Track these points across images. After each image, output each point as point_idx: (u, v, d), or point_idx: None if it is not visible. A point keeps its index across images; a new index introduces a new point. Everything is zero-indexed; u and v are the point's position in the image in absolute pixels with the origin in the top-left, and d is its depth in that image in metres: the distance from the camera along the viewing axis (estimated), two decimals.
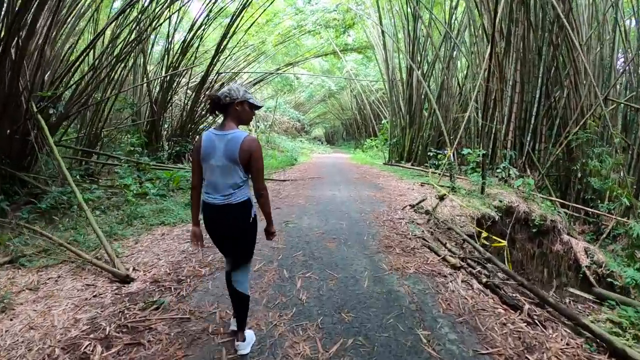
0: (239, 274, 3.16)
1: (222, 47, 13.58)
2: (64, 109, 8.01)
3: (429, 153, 16.13)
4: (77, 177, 8.76)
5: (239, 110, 2.99)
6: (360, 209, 8.18)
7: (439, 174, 11.97)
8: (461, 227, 7.37)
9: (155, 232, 6.49)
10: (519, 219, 9.34)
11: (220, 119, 3.11)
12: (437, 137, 17.11)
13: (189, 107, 14.54)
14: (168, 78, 13.54)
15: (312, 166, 19.08)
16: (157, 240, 6.09)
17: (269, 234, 3.27)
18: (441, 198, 8.82)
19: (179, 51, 13.66)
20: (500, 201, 9.35)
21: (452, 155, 12.43)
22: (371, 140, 28.23)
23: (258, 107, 3.14)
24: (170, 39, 13.91)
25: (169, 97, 14.17)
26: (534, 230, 9.13)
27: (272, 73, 22.19)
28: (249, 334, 3.32)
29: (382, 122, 22.75)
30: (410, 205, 8.34)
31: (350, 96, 35.19)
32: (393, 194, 10.13)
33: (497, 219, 8.57)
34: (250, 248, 3.19)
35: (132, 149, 10.85)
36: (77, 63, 8.09)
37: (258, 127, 26.73)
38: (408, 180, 12.63)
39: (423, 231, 6.63)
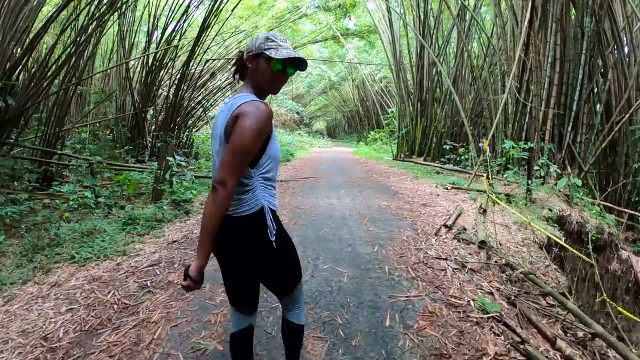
0: (293, 303, 2.15)
1: (207, 24, 11.43)
2: (16, 102, 6.66)
3: (444, 146, 14.00)
4: (28, 181, 7.08)
5: (251, 67, 1.88)
6: (372, 235, 5.23)
7: (473, 174, 9.37)
8: (530, 262, 4.53)
9: (50, 278, 3.97)
10: (570, 233, 7.19)
11: None
12: (452, 128, 14.81)
13: (170, 100, 12.39)
14: (153, 70, 11.78)
15: (309, 162, 16.47)
16: (39, 298, 3.55)
17: (185, 275, 1.77)
18: (484, 211, 6.25)
19: (162, 39, 11.86)
20: (550, 210, 7.17)
21: (472, 150, 10.37)
22: (375, 132, 25.96)
23: (290, 65, 1.88)
24: (153, 25, 12.04)
25: (153, 90, 12.34)
26: (588, 246, 7.00)
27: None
28: None
29: (390, 111, 20.38)
30: (445, 225, 5.50)
31: (352, 87, 32.76)
32: (413, 202, 7.41)
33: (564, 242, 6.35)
34: (288, 271, 2.07)
35: (80, 146, 8.80)
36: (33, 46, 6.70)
37: None
38: (426, 181, 10.10)
39: (492, 293, 3.55)
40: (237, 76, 2.02)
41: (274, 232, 1.86)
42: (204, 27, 11.11)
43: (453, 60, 15.38)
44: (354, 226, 5.72)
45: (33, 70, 7.62)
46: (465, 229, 5.29)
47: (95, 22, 8.00)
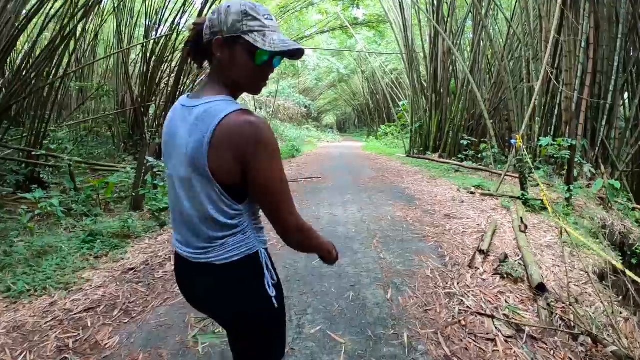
0: None
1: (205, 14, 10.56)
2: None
3: (461, 142, 12.90)
4: (12, 183, 6.56)
5: (221, 57, 1.24)
6: (384, 267, 3.90)
7: (502, 176, 7.94)
8: (605, 313, 3.04)
9: None
10: (613, 244, 6.16)
11: None
12: (469, 121, 13.69)
13: (168, 91, 11.57)
14: (152, 64, 10.90)
15: (315, 159, 15.22)
16: None
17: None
18: (525, 228, 4.83)
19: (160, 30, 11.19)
20: (592, 218, 6.13)
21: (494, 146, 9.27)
22: (386, 126, 24.79)
23: (279, 56, 1.29)
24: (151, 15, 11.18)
25: (154, 85, 11.40)
26: (633, 260, 5.98)
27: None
28: None
29: (401, 104, 19.15)
30: (479, 250, 4.14)
31: (361, 79, 31.54)
32: (434, 212, 6.10)
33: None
34: (265, 345, 1.42)
35: (71, 145, 7.95)
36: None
37: (257, 112, 23.47)
38: (446, 182, 8.84)
39: None
40: (194, 60, 1.40)
41: (269, 284, 1.36)
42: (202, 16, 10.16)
43: (468, 49, 14.31)
44: (361, 251, 4.40)
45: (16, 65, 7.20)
46: (506, 257, 3.94)
47: (81, 12, 7.35)
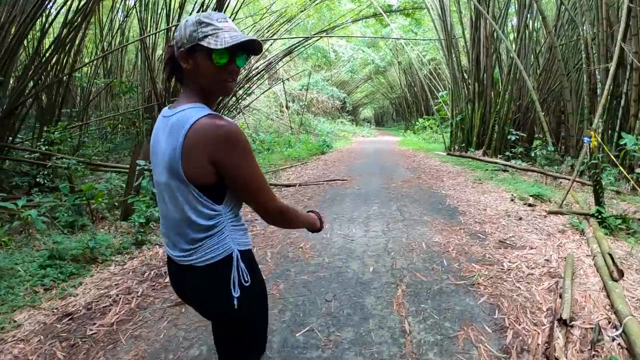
0: None
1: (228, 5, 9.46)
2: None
3: (508, 137, 11.28)
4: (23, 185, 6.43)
5: (187, 68, 1.34)
6: (410, 349, 2.44)
7: (570, 184, 6.01)
8: None
9: None
10: None
11: None
12: (516, 113, 11.99)
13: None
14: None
15: (346, 156, 13.86)
16: None
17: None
18: (621, 274, 3.20)
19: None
20: None
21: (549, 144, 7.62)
22: (424, 119, 23.15)
23: (231, 52, 1.32)
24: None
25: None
26: None
27: (307, 38, 16.78)
28: None
29: (440, 95, 17.36)
30: (559, 320, 2.56)
31: (398, 71, 29.90)
32: (485, 236, 4.56)
33: None
34: (248, 338, 1.49)
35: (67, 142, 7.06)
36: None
37: (288, 107, 22.34)
38: (494, 187, 7.34)
39: None
40: (172, 80, 1.60)
41: (246, 282, 1.40)
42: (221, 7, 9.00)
43: (511, 36, 12.63)
44: (375, 313, 2.90)
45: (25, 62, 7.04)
46: (600, 332, 2.48)
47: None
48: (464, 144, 13.03)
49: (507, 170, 9.06)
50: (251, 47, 1.35)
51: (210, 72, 1.30)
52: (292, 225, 1.57)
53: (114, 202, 5.94)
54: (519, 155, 10.19)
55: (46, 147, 6.73)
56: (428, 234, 4.71)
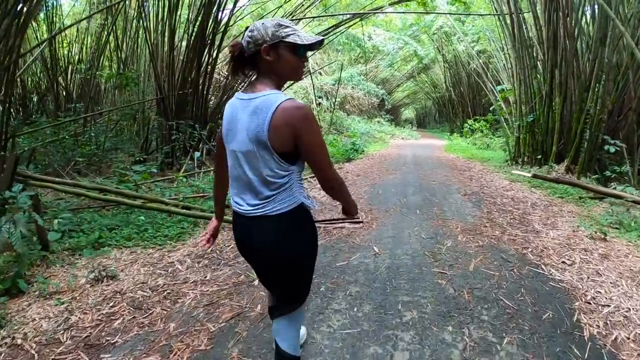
0: (285, 322, 1.90)
1: None
2: None
3: (604, 147, 7.83)
4: None
5: (270, 60, 1.65)
6: None
7: None
8: None
9: None
10: None
11: None
12: (610, 115, 8.40)
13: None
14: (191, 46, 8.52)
15: (376, 165, 10.49)
16: None
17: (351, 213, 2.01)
18: None
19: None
20: None
21: None
22: (475, 121, 19.57)
23: (309, 48, 1.70)
24: None
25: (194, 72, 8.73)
26: None
27: (346, 19, 13.18)
28: None
29: (499, 89, 13.28)
30: None
31: (442, 68, 26.34)
32: None
33: None
34: (304, 282, 1.88)
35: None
36: None
37: (319, 104, 19.21)
38: (632, 248, 4.01)
39: None
40: (236, 73, 1.75)
41: (309, 231, 1.79)
42: None
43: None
44: None
45: None
46: None
47: None
48: (538, 154, 9.36)
49: (603, 199, 5.74)
50: (317, 45, 1.72)
51: (291, 63, 1.66)
52: (343, 196, 1.83)
53: None
54: (622, 177, 6.79)
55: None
56: None
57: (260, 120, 1.55)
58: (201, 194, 6.28)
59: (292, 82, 2.10)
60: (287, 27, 1.62)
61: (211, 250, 4.10)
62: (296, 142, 1.58)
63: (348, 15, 13.82)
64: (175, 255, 4.07)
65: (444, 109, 32.98)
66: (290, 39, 1.60)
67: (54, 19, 9.75)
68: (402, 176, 8.85)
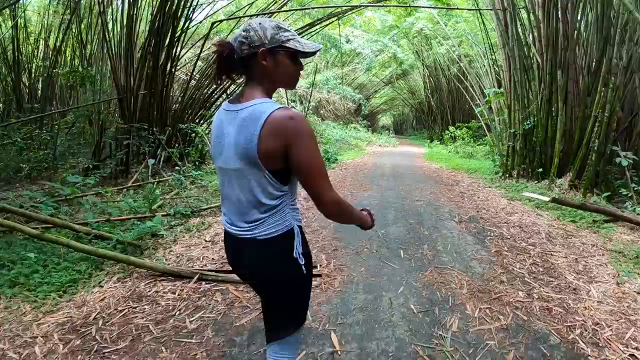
0: (277, 351, 1.64)
1: None
2: None
3: (616, 159, 6.72)
4: None
5: (267, 65, 1.45)
6: None
7: None
8: None
9: None
10: None
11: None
12: (627, 121, 7.15)
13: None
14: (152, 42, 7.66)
15: (348, 180, 9.00)
16: None
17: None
18: None
19: None
20: None
21: None
22: (455, 128, 18.54)
23: (308, 55, 1.53)
24: None
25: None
26: None
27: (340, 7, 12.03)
28: None
29: (487, 92, 11.81)
30: None
31: (421, 74, 25.36)
32: None
33: None
34: (301, 305, 1.65)
35: None
36: None
37: (293, 107, 17.77)
38: None
39: None
40: (221, 79, 1.55)
41: (300, 254, 1.52)
42: None
43: None
44: None
45: None
46: None
47: None
48: (536, 166, 8.18)
49: (615, 221, 4.61)
50: (315, 53, 1.54)
51: (290, 69, 1.48)
52: (346, 218, 1.58)
53: None
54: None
55: None
56: None
57: (248, 133, 1.36)
58: (133, 215, 4.95)
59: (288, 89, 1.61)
60: (286, 30, 1.45)
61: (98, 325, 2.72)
62: (287, 157, 1.38)
63: (328, 11, 12.45)
64: (48, 321, 2.78)
65: (423, 115, 32.07)
66: (290, 44, 1.44)
67: (16, 11, 9.05)
68: (379, 193, 7.44)
